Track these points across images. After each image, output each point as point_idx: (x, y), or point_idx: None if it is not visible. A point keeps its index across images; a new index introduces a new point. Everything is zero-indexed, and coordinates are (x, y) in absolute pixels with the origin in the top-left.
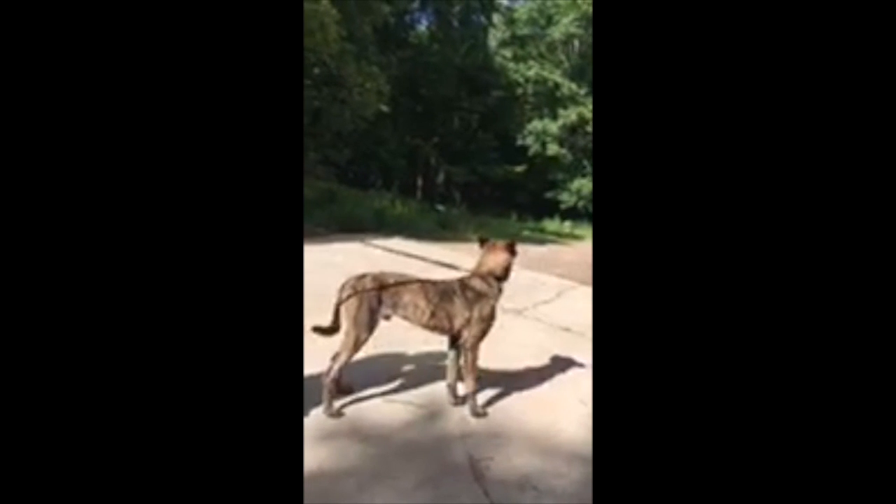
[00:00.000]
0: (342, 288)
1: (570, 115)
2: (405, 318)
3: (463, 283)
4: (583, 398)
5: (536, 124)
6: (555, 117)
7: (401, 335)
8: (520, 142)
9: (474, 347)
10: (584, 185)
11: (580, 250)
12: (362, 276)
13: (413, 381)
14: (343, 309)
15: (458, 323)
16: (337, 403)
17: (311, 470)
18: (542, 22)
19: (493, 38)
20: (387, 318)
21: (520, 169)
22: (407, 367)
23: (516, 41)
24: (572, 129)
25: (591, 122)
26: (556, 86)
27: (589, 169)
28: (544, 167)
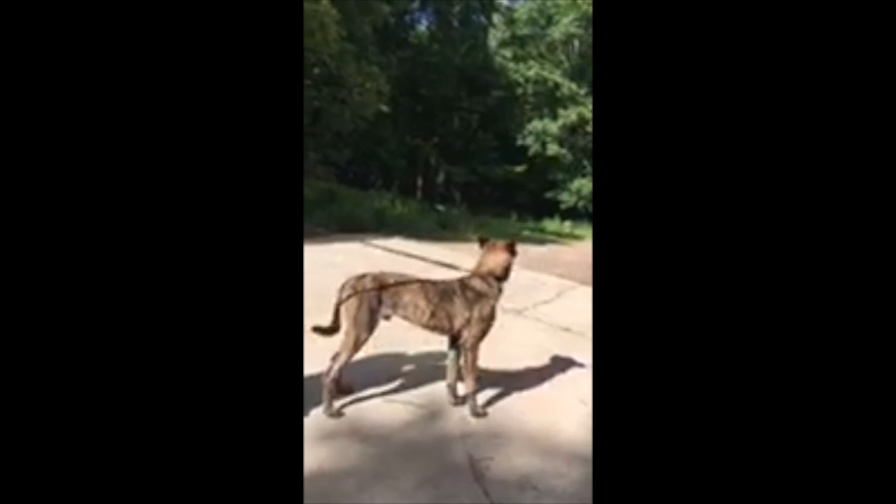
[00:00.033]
0: (342, 288)
1: (570, 115)
2: (405, 318)
3: (463, 283)
4: (583, 398)
5: (536, 124)
6: (555, 117)
7: (401, 335)
8: (520, 142)
9: (474, 347)
10: (584, 185)
11: (580, 250)
12: (362, 276)
13: (413, 381)
14: (343, 309)
15: (458, 323)
16: (337, 403)
17: (311, 470)
18: (543, 22)
19: (493, 38)
20: (387, 318)
21: (520, 169)
22: (407, 367)
23: (516, 41)
24: (572, 129)
25: (591, 122)
26: (556, 86)
27: (589, 169)
28: (544, 167)
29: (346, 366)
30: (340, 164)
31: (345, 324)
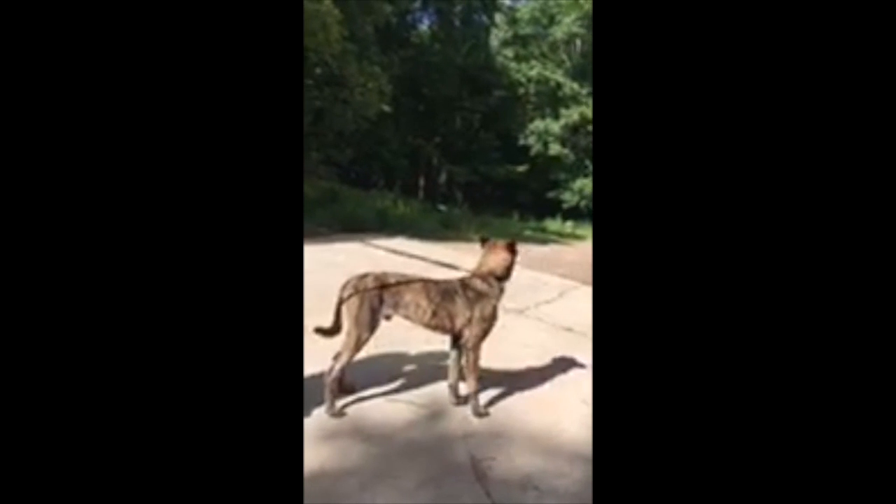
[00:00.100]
0: (344, 287)
1: (572, 114)
2: (407, 317)
3: (464, 283)
4: (585, 398)
5: (538, 124)
6: (557, 117)
7: (402, 335)
8: (522, 141)
9: (476, 347)
10: (586, 184)
11: (582, 250)
12: (364, 276)
13: (415, 381)
14: (345, 308)
15: (459, 322)
16: (339, 403)
17: (313, 469)
18: (545, 21)
19: (495, 37)
20: (388, 317)
21: (522, 169)
22: (409, 367)
23: (518, 41)
24: (574, 129)
25: None
26: (559, 85)
27: (591, 169)
28: (546, 167)
29: (348, 365)
30: (343, 164)
31: (346, 323)
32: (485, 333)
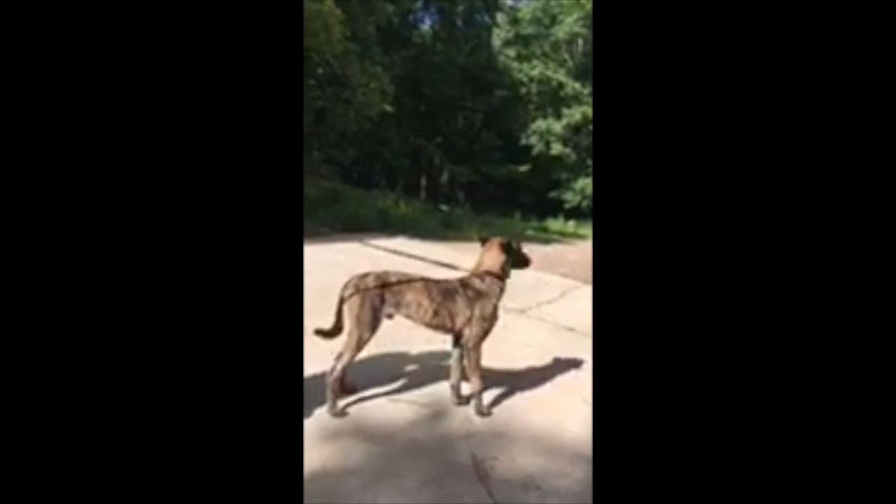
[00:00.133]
0: (345, 287)
1: (573, 114)
2: (408, 316)
3: (464, 283)
4: (586, 398)
5: (540, 124)
6: (559, 117)
7: (404, 335)
8: (523, 141)
9: (476, 347)
10: (587, 184)
11: (584, 250)
12: (365, 275)
13: (416, 381)
14: (346, 308)
15: (460, 322)
16: (341, 403)
17: (314, 469)
18: (546, 21)
19: (497, 37)
20: (389, 317)
21: (523, 168)
22: (410, 367)
23: (520, 40)
24: (576, 129)
25: None
26: (560, 85)
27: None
28: (548, 167)
29: (350, 365)
30: (344, 164)
31: (348, 323)
32: (485, 333)
